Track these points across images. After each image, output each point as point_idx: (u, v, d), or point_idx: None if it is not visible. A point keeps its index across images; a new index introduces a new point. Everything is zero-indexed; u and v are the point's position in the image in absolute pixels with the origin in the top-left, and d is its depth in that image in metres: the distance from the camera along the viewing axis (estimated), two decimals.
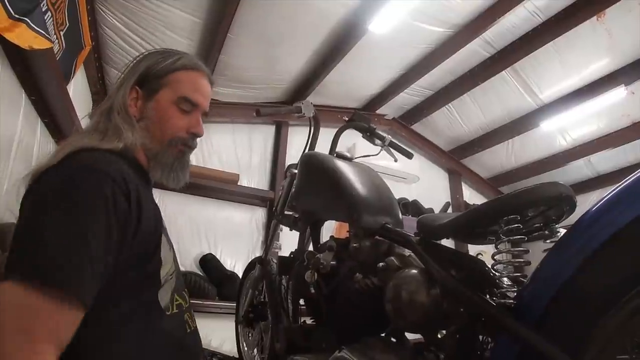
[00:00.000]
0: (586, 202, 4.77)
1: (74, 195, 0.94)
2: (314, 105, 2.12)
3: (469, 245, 4.16)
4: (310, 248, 1.76)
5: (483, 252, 4.39)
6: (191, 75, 1.28)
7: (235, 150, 4.32)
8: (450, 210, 4.94)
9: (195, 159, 4.03)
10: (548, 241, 1.11)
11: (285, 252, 2.08)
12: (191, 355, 1.18)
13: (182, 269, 3.64)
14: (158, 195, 3.60)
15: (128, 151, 1.15)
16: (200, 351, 1.27)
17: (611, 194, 0.88)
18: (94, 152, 1.07)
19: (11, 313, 0.82)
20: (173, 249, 1.29)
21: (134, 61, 1.31)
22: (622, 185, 0.87)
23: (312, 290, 1.49)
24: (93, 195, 0.94)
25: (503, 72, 4.06)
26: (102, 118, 1.20)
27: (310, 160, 1.75)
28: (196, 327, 1.26)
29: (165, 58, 1.27)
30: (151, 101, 1.23)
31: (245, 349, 2.19)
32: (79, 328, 0.89)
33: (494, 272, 1.14)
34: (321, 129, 2.16)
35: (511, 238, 1.05)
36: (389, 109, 4.89)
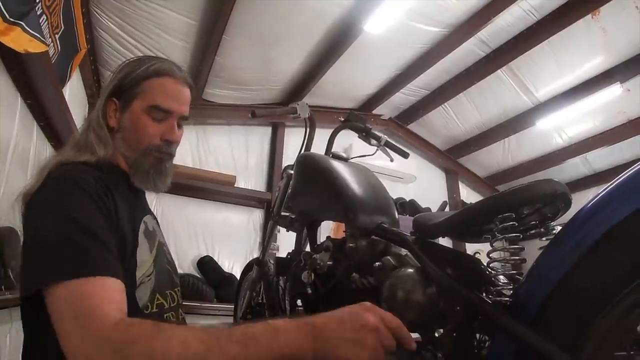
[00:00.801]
0: (583, 200, 4.67)
1: (62, 201, 1.00)
2: (310, 106, 2.12)
3: (467, 244, 4.17)
4: (308, 249, 1.76)
5: (480, 250, 4.38)
6: (163, 82, 1.27)
7: (231, 151, 4.32)
8: (447, 209, 4.95)
9: (191, 160, 4.04)
10: (543, 239, 1.12)
11: (282, 253, 2.08)
12: None
13: (180, 271, 3.64)
14: (155, 198, 3.60)
15: (104, 162, 1.19)
16: None
17: (605, 191, 0.88)
18: (68, 165, 1.12)
19: (67, 308, 0.86)
20: (164, 249, 1.32)
21: (114, 72, 1.33)
22: (616, 182, 0.87)
23: (310, 291, 1.48)
24: (77, 194, 1.01)
25: (498, 71, 4.06)
26: (82, 133, 1.27)
27: (306, 161, 1.75)
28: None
29: (139, 66, 1.27)
30: (126, 112, 1.25)
31: None
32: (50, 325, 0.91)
33: (490, 270, 1.14)
34: (317, 129, 2.17)
35: (507, 236, 1.05)
36: (385, 109, 4.89)
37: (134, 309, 1.05)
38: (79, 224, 0.96)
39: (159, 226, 1.40)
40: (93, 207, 1.02)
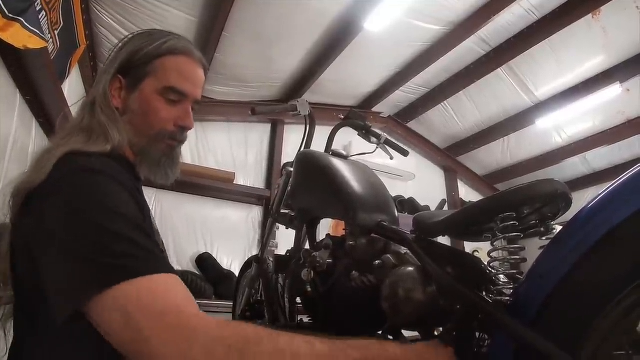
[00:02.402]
0: (582, 199, 4.79)
1: (100, 195, 0.88)
2: (310, 104, 2.12)
3: (465, 242, 4.17)
4: (307, 246, 1.76)
5: (479, 249, 4.39)
6: (179, 61, 1.16)
7: (231, 148, 4.32)
8: (446, 207, 4.95)
9: (191, 157, 4.03)
10: (544, 238, 1.12)
11: (281, 250, 2.08)
12: None
13: (178, 268, 3.64)
14: (154, 194, 3.61)
15: (115, 150, 1.06)
16: None
17: (607, 191, 0.88)
18: (83, 157, 0.97)
19: (141, 308, 0.77)
20: (164, 249, 1.24)
21: (119, 45, 1.19)
22: (618, 183, 0.87)
23: (309, 289, 1.48)
24: (114, 187, 0.91)
25: (498, 69, 4.07)
26: (85, 113, 1.11)
27: (306, 159, 1.74)
28: None
29: (151, 42, 1.14)
30: (135, 92, 1.12)
31: None
32: (48, 335, 0.87)
33: (490, 269, 1.14)
34: (317, 127, 2.16)
35: (507, 235, 1.05)
36: (385, 107, 4.89)
37: None
38: (127, 218, 0.86)
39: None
40: (132, 200, 0.92)
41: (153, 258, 0.84)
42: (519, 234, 1.05)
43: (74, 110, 2.42)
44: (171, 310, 0.78)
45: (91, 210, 0.85)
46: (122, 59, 1.13)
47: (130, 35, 1.20)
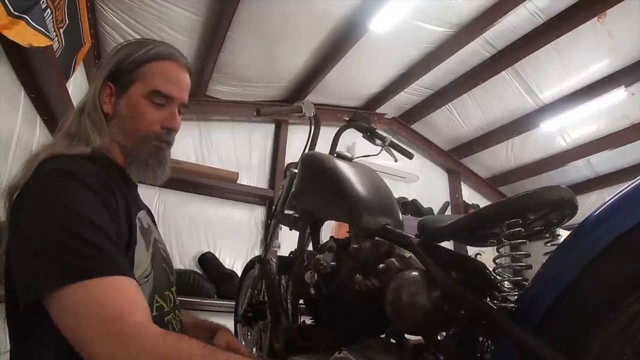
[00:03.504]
0: (585, 203, 4.78)
1: (65, 195, 0.94)
2: (314, 104, 2.11)
3: (468, 246, 4.17)
4: (310, 248, 1.76)
5: (482, 252, 4.39)
6: (164, 66, 1.21)
7: (234, 148, 4.32)
8: (449, 209, 4.94)
9: (194, 157, 4.03)
10: (549, 244, 1.11)
11: (284, 251, 2.08)
12: None
13: (181, 267, 3.64)
14: (157, 193, 3.61)
15: (97, 152, 1.12)
16: None
17: (613, 199, 0.88)
18: (63, 158, 1.05)
19: (89, 311, 0.83)
20: (159, 246, 1.25)
21: (110, 53, 1.26)
22: (625, 190, 0.87)
23: (312, 291, 1.48)
24: (80, 188, 0.96)
25: (503, 72, 4.05)
26: (74, 119, 1.18)
27: (310, 160, 1.74)
28: (182, 327, 1.23)
29: (138, 49, 1.20)
30: (124, 97, 1.18)
31: None
32: (47, 335, 0.89)
33: (494, 275, 1.14)
34: (321, 127, 2.16)
35: (513, 242, 1.05)
36: (389, 108, 4.88)
37: None
38: (88, 220, 0.91)
39: (154, 222, 1.33)
40: (98, 202, 0.96)
41: (107, 260, 0.89)
42: (524, 240, 1.05)
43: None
44: (115, 317, 0.83)
45: (55, 212, 0.91)
46: (111, 67, 1.19)
47: (121, 44, 1.27)
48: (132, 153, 1.18)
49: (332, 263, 1.45)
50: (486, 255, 4.18)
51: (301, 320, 1.72)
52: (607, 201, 0.89)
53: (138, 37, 3.14)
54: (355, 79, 4.24)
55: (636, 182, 0.85)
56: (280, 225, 2.12)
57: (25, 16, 1.61)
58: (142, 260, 1.09)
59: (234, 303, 2.44)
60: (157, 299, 1.12)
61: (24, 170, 1.04)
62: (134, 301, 0.88)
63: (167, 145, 1.24)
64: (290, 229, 1.97)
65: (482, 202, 5.61)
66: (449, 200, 5.22)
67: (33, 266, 0.88)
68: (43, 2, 1.84)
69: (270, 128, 4.57)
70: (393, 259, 1.30)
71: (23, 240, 0.93)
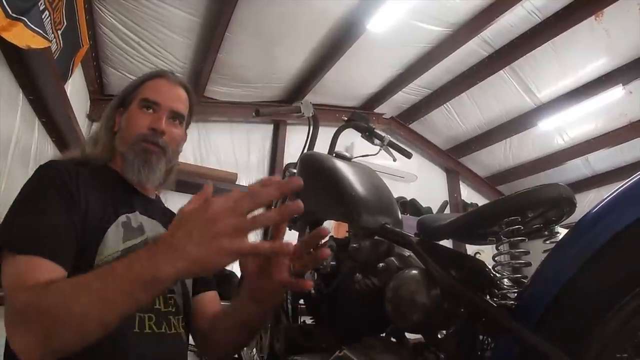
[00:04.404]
0: (584, 201, 4.79)
1: (28, 184, 1.10)
2: (313, 105, 2.11)
3: (467, 245, 4.16)
4: None
5: (481, 250, 4.38)
6: (155, 81, 1.37)
7: (233, 149, 4.32)
8: (448, 208, 4.95)
9: (193, 157, 4.03)
10: (547, 242, 1.12)
11: None
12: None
13: None
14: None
15: (93, 160, 1.29)
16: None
17: (611, 196, 0.88)
18: (52, 160, 1.20)
19: (4, 279, 0.96)
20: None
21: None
22: (623, 188, 0.87)
23: (312, 291, 1.48)
24: (39, 179, 1.11)
25: (501, 71, 4.07)
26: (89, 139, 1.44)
27: (309, 160, 1.74)
28: (165, 332, 1.17)
29: (138, 78, 1.41)
30: (125, 113, 1.35)
31: (244, 348, 2.19)
32: None
33: (494, 273, 1.14)
34: (320, 127, 2.16)
35: (512, 240, 1.05)
36: (387, 108, 4.90)
37: None
38: (35, 206, 1.05)
39: (155, 223, 1.32)
40: (52, 191, 1.07)
41: (34, 240, 0.99)
42: (523, 238, 1.05)
43: (76, 110, 2.43)
44: (14, 288, 0.93)
45: (20, 194, 1.08)
46: (120, 96, 1.40)
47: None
48: (124, 155, 1.30)
49: (331, 263, 1.45)
50: (485, 254, 4.16)
51: (301, 320, 1.72)
52: (605, 199, 0.89)
53: (136, 38, 3.14)
54: (353, 79, 4.25)
55: (633, 180, 0.85)
56: None
57: (23, 18, 1.62)
58: (109, 247, 1.13)
59: None
60: None
61: None
62: (36, 279, 0.94)
63: (156, 148, 1.30)
64: (290, 229, 1.97)
65: (481, 201, 5.61)
66: (447, 199, 5.22)
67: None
68: (41, 4, 1.84)
69: (269, 128, 4.57)
70: (392, 258, 1.30)
71: None
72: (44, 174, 1.12)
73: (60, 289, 0.87)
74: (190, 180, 3.69)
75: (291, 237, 1.87)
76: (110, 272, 0.82)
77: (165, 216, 1.39)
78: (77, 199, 1.10)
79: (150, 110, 1.32)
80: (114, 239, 1.14)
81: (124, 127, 1.32)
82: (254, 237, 3.47)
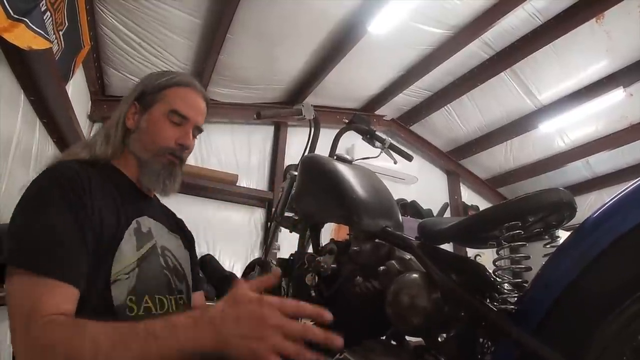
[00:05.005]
0: (584, 204, 4.80)
1: (37, 190, 1.06)
2: (313, 106, 2.11)
3: (467, 248, 4.17)
4: (310, 250, 1.76)
5: (481, 253, 4.39)
6: (184, 91, 1.36)
7: (234, 150, 4.32)
8: (448, 210, 4.94)
9: (194, 159, 4.03)
10: (548, 246, 1.12)
11: (284, 253, 2.08)
12: None
13: None
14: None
15: (100, 160, 1.27)
16: None
17: (613, 200, 0.89)
18: (60, 161, 1.19)
19: (15, 298, 0.94)
20: (166, 253, 1.31)
21: (138, 82, 1.43)
22: (625, 192, 0.87)
23: (313, 293, 1.48)
24: (49, 185, 1.06)
25: (502, 73, 4.06)
26: (99, 132, 1.37)
27: (310, 163, 1.74)
28: None
29: (162, 77, 1.37)
30: (146, 114, 1.33)
31: None
32: None
33: (494, 277, 1.14)
34: (321, 129, 2.16)
35: (512, 244, 1.05)
36: (388, 110, 4.89)
37: (107, 305, 1.07)
38: (47, 221, 1.00)
39: (172, 232, 1.41)
40: (64, 203, 1.04)
41: (50, 261, 0.96)
42: (523, 242, 1.05)
43: (77, 111, 2.43)
44: (28, 313, 0.90)
45: (29, 200, 1.04)
46: (139, 90, 1.36)
47: (150, 74, 1.44)
48: (147, 164, 1.30)
49: (332, 265, 1.45)
50: (486, 257, 4.19)
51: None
52: (606, 203, 0.89)
53: (137, 39, 3.14)
54: (354, 80, 4.25)
55: (634, 185, 0.86)
56: (280, 227, 2.12)
57: (25, 19, 1.62)
58: (125, 257, 1.14)
59: None
60: (146, 300, 1.17)
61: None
62: (56, 305, 0.93)
63: (179, 161, 1.37)
64: (290, 231, 1.97)
65: (482, 203, 5.61)
66: (448, 201, 5.22)
67: (7, 240, 1.00)
68: (43, 4, 1.84)
69: (270, 130, 4.57)
70: (393, 261, 1.30)
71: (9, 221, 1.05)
72: (54, 179, 1.08)
73: (95, 338, 0.85)
74: (190, 182, 3.70)
75: (292, 239, 1.88)
76: (151, 334, 0.84)
77: (165, 216, 1.46)
78: (90, 210, 1.08)
79: (178, 123, 1.33)
80: (128, 249, 1.15)
81: (146, 131, 1.32)
82: (255, 238, 3.44)
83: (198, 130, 1.41)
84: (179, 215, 1.59)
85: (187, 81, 1.40)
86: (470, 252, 4.49)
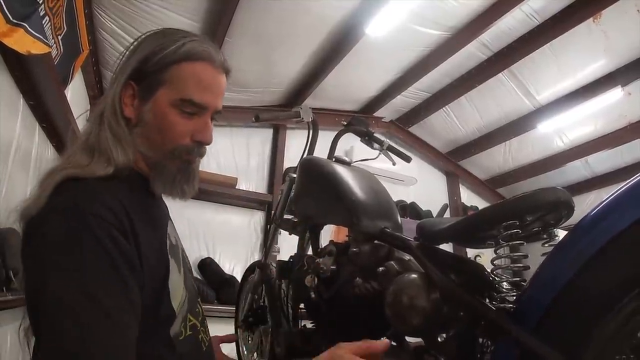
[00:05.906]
0: (584, 203, 4.79)
1: (72, 257, 0.81)
2: (312, 109, 2.12)
3: (467, 248, 4.17)
4: (310, 252, 1.76)
5: (481, 253, 4.39)
6: (197, 68, 1.03)
7: (233, 153, 4.33)
8: (448, 211, 4.95)
9: None
10: (546, 245, 1.12)
11: (284, 255, 2.08)
12: None
13: None
14: None
15: (122, 169, 0.98)
16: None
17: (610, 198, 0.89)
18: (79, 184, 0.91)
19: None
20: (184, 255, 1.17)
21: (130, 47, 1.07)
22: (621, 190, 0.87)
23: (313, 295, 1.49)
24: (89, 249, 0.81)
25: (500, 74, 4.06)
26: (93, 126, 1.02)
27: (309, 165, 1.75)
28: (210, 338, 1.18)
29: (165, 45, 1.01)
30: (149, 102, 1.01)
31: (245, 353, 2.19)
32: None
33: (493, 276, 1.15)
34: (319, 132, 2.17)
35: (510, 243, 1.06)
36: (387, 112, 4.90)
37: (166, 345, 0.94)
38: (90, 300, 0.78)
39: (174, 226, 1.21)
40: (108, 267, 0.82)
41: (101, 348, 0.76)
42: (522, 241, 1.06)
43: (76, 115, 2.43)
44: None
45: (58, 274, 0.80)
46: (133, 65, 1.02)
47: (142, 37, 1.08)
48: (158, 167, 1.04)
49: (332, 267, 1.46)
50: (485, 258, 4.19)
51: (302, 325, 1.73)
52: (603, 201, 0.89)
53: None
54: (352, 82, 4.25)
55: (631, 182, 0.86)
56: (280, 229, 2.12)
57: (24, 24, 1.62)
58: (176, 286, 0.99)
59: (234, 308, 2.45)
60: (189, 318, 1.04)
61: (38, 190, 0.91)
62: None
63: (196, 158, 1.10)
64: (290, 234, 1.98)
65: (481, 204, 5.61)
66: (447, 202, 5.22)
67: (42, 319, 0.80)
68: (41, 9, 1.85)
69: (269, 133, 4.58)
70: (392, 262, 1.31)
71: (30, 292, 0.85)
72: (90, 237, 0.82)
73: None
74: None
75: (292, 242, 1.88)
76: None
77: (166, 211, 1.23)
78: (135, 256, 0.88)
79: (193, 112, 1.03)
80: (175, 279, 0.99)
81: (153, 126, 1.01)
82: (254, 240, 3.45)
83: (217, 113, 1.09)
84: (179, 220, 1.45)
85: (201, 51, 1.04)
86: (470, 253, 4.49)
